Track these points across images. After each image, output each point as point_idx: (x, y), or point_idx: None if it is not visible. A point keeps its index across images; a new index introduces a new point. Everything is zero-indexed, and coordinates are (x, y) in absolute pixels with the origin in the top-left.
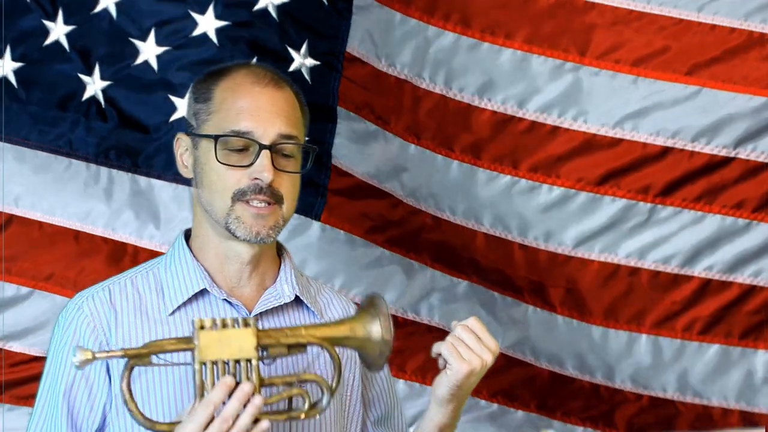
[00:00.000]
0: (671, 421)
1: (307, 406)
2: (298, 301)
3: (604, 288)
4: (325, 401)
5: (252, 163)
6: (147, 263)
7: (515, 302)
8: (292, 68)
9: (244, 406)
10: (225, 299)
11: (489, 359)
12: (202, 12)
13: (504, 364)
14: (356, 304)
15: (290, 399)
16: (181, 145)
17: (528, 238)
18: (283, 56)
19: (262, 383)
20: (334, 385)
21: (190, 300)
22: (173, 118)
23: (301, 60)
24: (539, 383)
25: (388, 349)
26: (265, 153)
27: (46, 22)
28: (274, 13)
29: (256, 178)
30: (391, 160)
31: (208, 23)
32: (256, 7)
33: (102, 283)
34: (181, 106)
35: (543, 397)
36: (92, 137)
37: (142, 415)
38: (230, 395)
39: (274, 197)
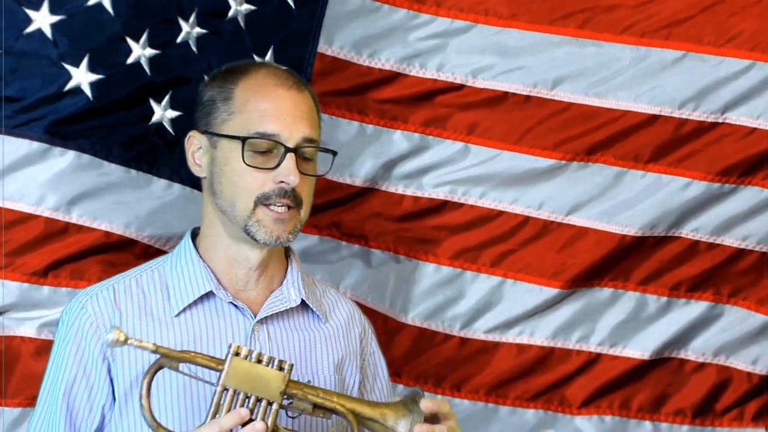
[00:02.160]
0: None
1: None
2: (303, 304)
3: (589, 253)
4: None
5: (277, 166)
6: (152, 261)
7: (487, 277)
8: None
9: None
10: (231, 302)
11: None
12: (186, 18)
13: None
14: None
15: None
16: (194, 143)
17: (519, 207)
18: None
19: (275, 430)
20: None
21: (195, 302)
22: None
23: None
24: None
25: None
26: (291, 156)
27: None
28: (242, 22)
29: (281, 182)
30: (371, 150)
31: (190, 30)
32: (229, 16)
33: (107, 281)
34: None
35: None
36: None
37: (152, 413)
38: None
39: (295, 201)
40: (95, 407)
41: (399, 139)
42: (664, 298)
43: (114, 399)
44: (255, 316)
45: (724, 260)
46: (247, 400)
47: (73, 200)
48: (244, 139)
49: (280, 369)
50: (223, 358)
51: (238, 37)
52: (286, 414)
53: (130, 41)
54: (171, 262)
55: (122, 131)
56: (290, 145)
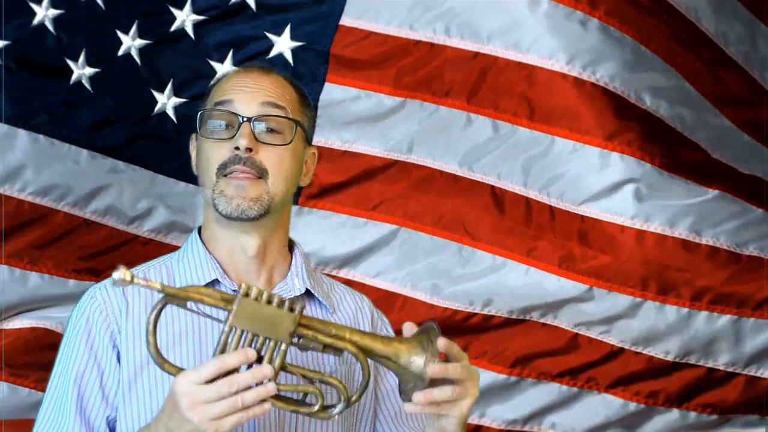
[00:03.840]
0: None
1: (317, 407)
2: (310, 295)
3: (609, 249)
4: (338, 409)
5: (233, 136)
6: (161, 258)
7: (505, 261)
8: (273, 53)
9: (256, 384)
10: (235, 290)
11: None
12: (180, 6)
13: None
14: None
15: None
16: (193, 143)
17: (534, 191)
18: (263, 44)
19: (283, 368)
20: (354, 398)
21: None
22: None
23: (284, 44)
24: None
25: (423, 386)
26: (245, 124)
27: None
28: (252, 4)
29: (236, 148)
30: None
31: (186, 17)
32: (232, 1)
33: None
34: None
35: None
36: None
37: (157, 349)
38: (248, 367)
39: (255, 169)
40: (106, 394)
41: (421, 110)
42: (684, 309)
43: (121, 385)
44: None
45: (746, 270)
46: (255, 339)
47: (88, 196)
48: (201, 113)
49: (291, 310)
50: (233, 295)
51: (245, 20)
52: (298, 348)
53: (120, 34)
54: (178, 256)
55: (125, 126)
56: (246, 114)
